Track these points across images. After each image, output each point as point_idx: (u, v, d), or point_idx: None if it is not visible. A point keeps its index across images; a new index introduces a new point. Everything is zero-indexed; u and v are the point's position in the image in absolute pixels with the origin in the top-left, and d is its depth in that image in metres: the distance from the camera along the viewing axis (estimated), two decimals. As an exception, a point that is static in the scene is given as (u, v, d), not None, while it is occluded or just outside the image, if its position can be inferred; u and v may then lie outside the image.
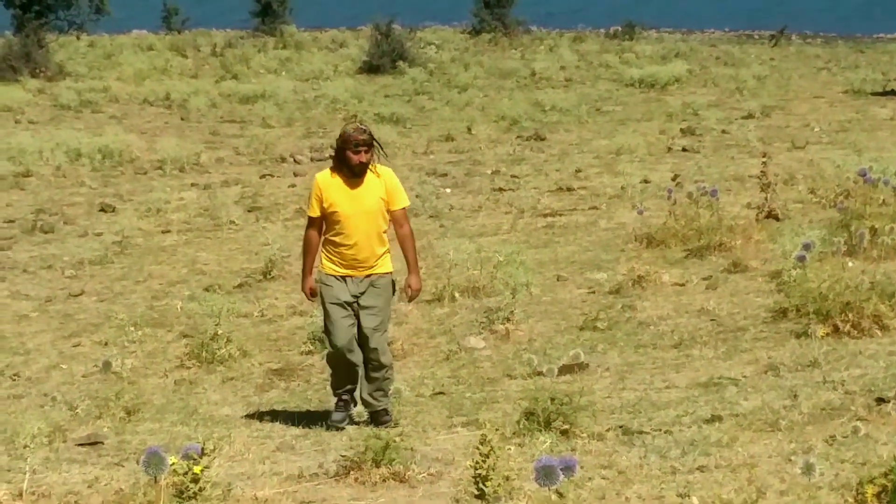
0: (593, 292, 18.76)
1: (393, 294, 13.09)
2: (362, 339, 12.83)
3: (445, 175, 30.13)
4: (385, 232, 12.85)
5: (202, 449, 8.88)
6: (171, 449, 9.25)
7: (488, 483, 8.78)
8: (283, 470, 11.56)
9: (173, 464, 8.68)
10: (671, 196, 21.41)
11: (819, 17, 63.34)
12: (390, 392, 13.33)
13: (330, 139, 35.56)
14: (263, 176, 31.05)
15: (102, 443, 13.09)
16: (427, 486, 10.81)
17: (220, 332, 16.73)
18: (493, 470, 8.91)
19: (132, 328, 18.18)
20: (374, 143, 12.69)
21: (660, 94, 44.58)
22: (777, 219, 21.46)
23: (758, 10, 64.44)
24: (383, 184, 12.72)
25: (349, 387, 13.07)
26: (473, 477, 8.99)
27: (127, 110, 42.90)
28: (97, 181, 30.98)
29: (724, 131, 35.69)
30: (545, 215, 24.97)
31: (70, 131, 37.00)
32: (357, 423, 12.84)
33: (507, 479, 9.26)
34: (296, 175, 30.87)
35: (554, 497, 8.44)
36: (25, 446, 12.45)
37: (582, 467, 10.31)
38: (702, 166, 29.36)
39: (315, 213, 12.76)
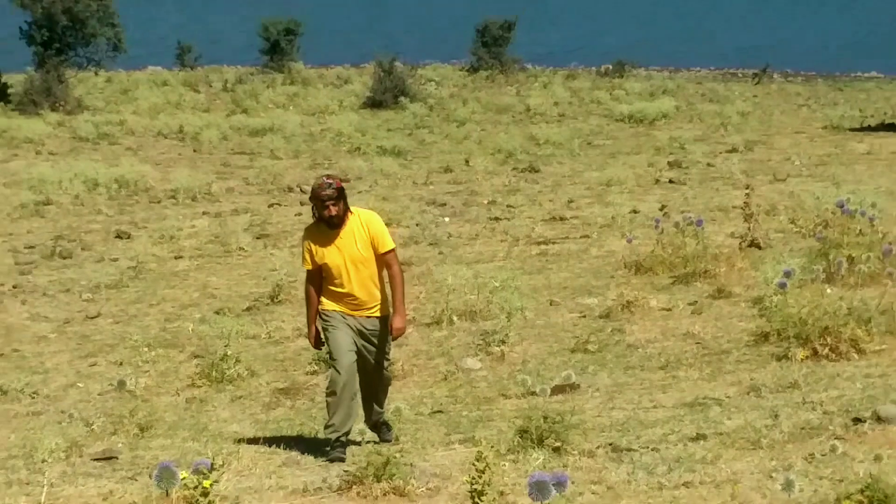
0: (584, 316, 18.74)
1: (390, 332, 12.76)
2: (368, 373, 12.64)
3: (444, 205, 30.14)
4: (378, 274, 12.53)
5: (211, 464, 8.87)
6: (182, 464, 9.24)
7: (484, 498, 8.76)
8: (289, 484, 11.54)
9: (184, 478, 8.68)
10: (659, 225, 21.40)
11: (800, 57, 63.39)
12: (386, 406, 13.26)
13: (335, 170, 35.64)
14: (271, 205, 31.07)
15: (117, 458, 13.07)
16: (426, 500, 10.79)
17: (229, 352, 16.74)
18: (489, 485, 8.89)
19: (146, 349, 18.17)
20: (343, 193, 12.38)
21: (648, 129, 44.61)
22: (759, 247, 21.45)
23: (741, 49, 64.51)
24: (367, 230, 12.41)
25: (347, 429, 12.57)
26: (470, 492, 8.97)
27: (142, 142, 42.94)
28: (113, 209, 31.00)
29: (709, 164, 35.71)
30: (539, 243, 24.96)
31: (88, 162, 37.01)
32: (358, 443, 12.78)
33: (502, 493, 9.26)
34: (302, 204, 30.82)
35: (545, 509, 8.43)
36: (43, 461, 12.44)
37: (573, 483, 10.31)
38: (688, 197, 29.37)
39: (309, 265, 12.55)
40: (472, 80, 58.36)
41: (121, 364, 17.71)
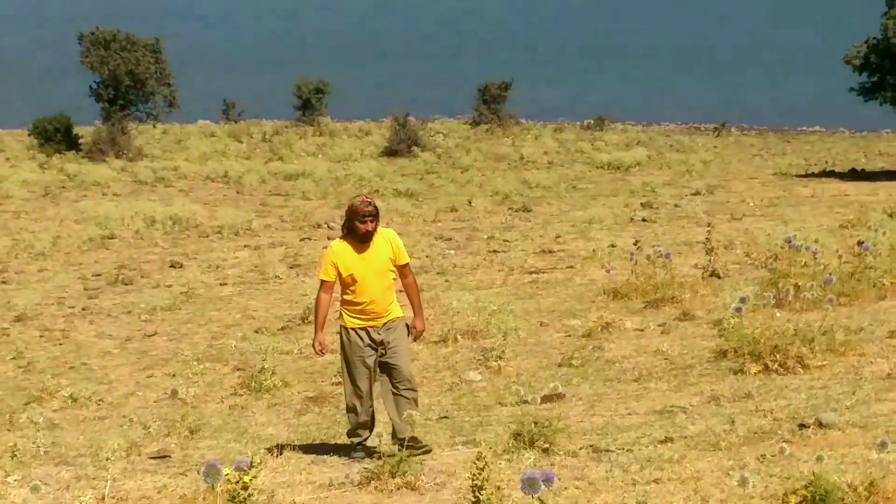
0: (569, 336, 18.72)
1: (407, 334, 12.46)
2: (392, 371, 12.23)
3: (450, 239, 30.15)
4: (394, 283, 12.26)
5: (251, 462, 8.87)
6: (225, 462, 9.22)
7: (483, 492, 8.75)
8: (317, 479, 11.54)
9: (227, 474, 8.67)
10: (633, 258, 21.39)
11: (754, 114, 63.39)
12: (415, 422, 12.48)
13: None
14: (303, 239, 31.08)
15: (170, 456, 13.07)
16: (433, 493, 10.79)
17: (266, 366, 16.73)
18: (488, 481, 8.88)
19: (195, 363, 18.18)
20: (378, 213, 12.08)
21: (624, 175, 44.62)
22: (719, 277, 21.43)
23: (704, 107, 64.50)
24: (389, 244, 12.11)
25: (366, 434, 12.48)
26: (471, 487, 8.97)
27: (193, 185, 42.99)
28: (168, 243, 31.04)
29: (676, 205, 35.71)
30: (531, 272, 24.94)
31: (147, 202, 37.09)
32: (374, 454, 12.68)
33: (499, 488, 9.23)
34: (329, 239, 30.80)
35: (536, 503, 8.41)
36: (107, 459, 12.43)
37: (559, 479, 10.29)
38: (658, 233, 29.37)
39: (329, 277, 12.09)
40: (474, 133, 58.37)
41: (174, 375, 17.71)
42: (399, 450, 11.56)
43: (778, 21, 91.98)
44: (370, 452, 12.20)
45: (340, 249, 12.07)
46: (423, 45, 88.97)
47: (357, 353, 12.16)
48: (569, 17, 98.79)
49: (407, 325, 12.42)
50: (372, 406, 12.40)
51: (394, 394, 12.23)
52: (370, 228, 11.93)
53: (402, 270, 12.26)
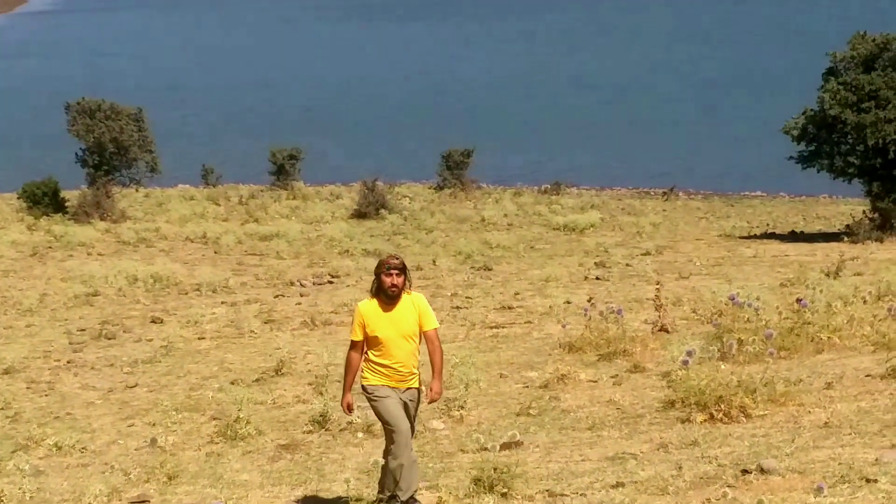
0: (527, 387, 18.70)
1: (420, 398, 11.91)
2: None
3: (416, 296, 30.13)
4: (418, 349, 11.70)
5: (225, 506, 8.84)
6: (201, 506, 9.19)
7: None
8: (288, 523, 11.50)
9: (203, 518, 8.64)
10: (587, 314, 21.40)
11: (700, 179, 63.79)
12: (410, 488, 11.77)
13: (328, 269, 35.65)
14: (277, 296, 31.02)
15: (149, 501, 13.02)
16: (398, 535, 10.76)
17: (241, 415, 16.67)
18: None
19: (174, 412, 18.09)
20: (406, 270, 11.64)
21: (579, 237, 44.75)
22: (667, 332, 21.46)
23: (653, 173, 64.88)
24: (416, 308, 11.62)
25: (415, 489, 11.69)
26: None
27: (173, 245, 42.92)
28: (149, 299, 30.95)
29: (627, 265, 35.81)
30: (491, 327, 24.93)
31: (129, 261, 37.00)
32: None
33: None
34: (301, 296, 30.84)
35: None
36: (89, 503, 12.36)
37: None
38: (610, 291, 29.43)
39: (358, 337, 11.60)
40: (438, 196, 58.52)
41: (153, 425, 17.62)
42: (380, 500, 11.48)
43: (720, 94, 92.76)
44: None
45: (367, 309, 11.63)
46: (390, 116, 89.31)
47: (387, 396, 11.56)
48: (528, 91, 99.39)
49: (419, 391, 11.85)
50: (415, 456, 11.81)
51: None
52: (396, 283, 11.49)
53: (429, 336, 11.69)
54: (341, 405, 11.89)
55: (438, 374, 11.70)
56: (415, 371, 11.69)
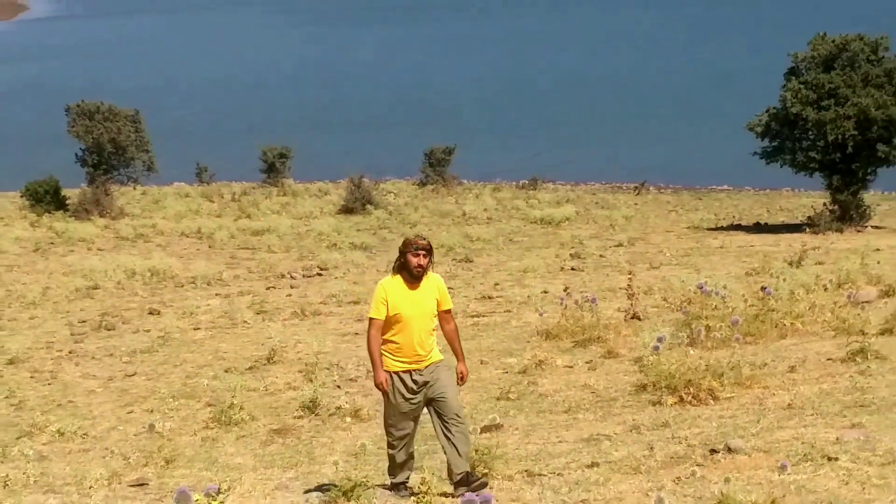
0: (507, 372, 18.74)
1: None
2: (440, 405, 11.14)
3: (400, 287, 30.11)
4: (435, 328, 11.26)
5: (219, 488, 8.83)
6: (197, 488, 9.17)
7: (428, 513, 8.74)
8: (280, 503, 11.48)
9: (197, 500, 8.63)
10: (563, 303, 21.45)
11: (669, 174, 63.85)
12: (469, 455, 11.36)
13: (317, 262, 35.62)
14: (268, 288, 30.99)
15: (147, 484, 12.99)
16: (384, 515, 10.76)
17: (235, 402, 16.66)
18: (431, 503, 8.87)
19: (171, 399, 18.11)
20: (432, 251, 11.16)
21: (555, 229, 44.78)
22: (639, 319, 21.52)
23: (625, 168, 64.91)
24: (436, 288, 11.15)
25: (408, 474, 11.52)
26: (418, 508, 8.96)
27: (169, 241, 42.85)
28: (147, 292, 30.89)
29: (601, 256, 35.87)
30: (472, 316, 24.95)
31: (128, 256, 36.93)
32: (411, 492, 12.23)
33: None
34: (292, 287, 30.81)
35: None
36: (90, 487, 12.36)
37: (496, 501, 10.30)
38: (585, 281, 29.47)
39: (380, 315, 11.01)
40: (421, 192, 58.48)
41: (151, 411, 17.61)
42: (456, 487, 11.05)
43: (689, 93, 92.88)
44: (412, 491, 11.24)
45: (390, 286, 11.11)
46: (376, 116, 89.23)
47: (399, 398, 11.16)
48: (506, 91, 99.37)
49: (441, 362, 11.36)
50: (413, 447, 11.51)
51: (445, 433, 11.21)
52: (422, 263, 11.01)
53: (445, 316, 11.28)
54: (376, 385, 11.26)
55: (461, 355, 11.36)
56: (432, 348, 11.19)
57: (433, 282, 11.19)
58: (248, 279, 33.10)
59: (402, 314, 10.96)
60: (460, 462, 11.11)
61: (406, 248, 11.05)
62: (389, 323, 11.05)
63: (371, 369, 11.43)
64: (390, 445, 11.39)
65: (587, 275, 31.19)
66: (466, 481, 11.03)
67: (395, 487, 11.46)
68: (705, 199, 57.15)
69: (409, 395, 11.12)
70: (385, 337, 11.10)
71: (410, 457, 11.52)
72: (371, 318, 11.11)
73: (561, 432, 14.26)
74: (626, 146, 73.32)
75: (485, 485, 11.14)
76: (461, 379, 11.36)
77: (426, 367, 11.12)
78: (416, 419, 11.31)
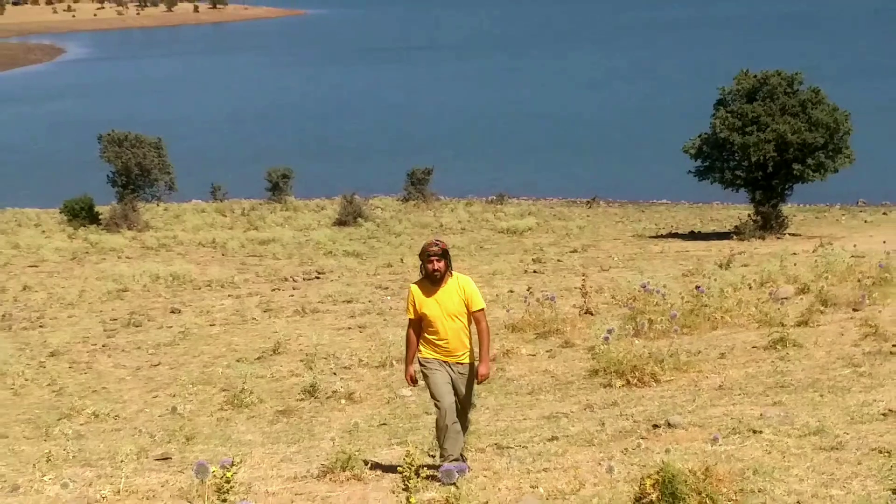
0: (479, 360, 18.73)
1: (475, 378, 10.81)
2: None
3: (387, 288, 30.11)
4: (468, 327, 10.63)
5: (232, 462, 8.80)
6: (213, 462, 9.14)
7: (411, 481, 8.73)
8: (285, 474, 11.47)
9: (214, 471, 8.60)
10: (527, 300, 21.47)
11: (617, 190, 63.99)
12: (452, 454, 10.67)
13: (315, 267, 35.56)
14: (274, 290, 30.92)
15: (170, 458, 12.95)
16: (375, 482, 10.75)
17: (245, 387, 16.63)
18: (416, 472, 8.86)
19: (190, 385, 18.05)
20: (447, 254, 10.49)
21: (519, 238, 44.84)
22: (592, 314, 21.54)
23: (579, 186, 65.00)
24: (462, 289, 10.49)
25: (458, 452, 10.64)
26: (402, 477, 8.94)
27: (188, 250, 42.72)
28: (169, 294, 30.79)
29: (559, 260, 35.91)
30: (449, 313, 24.91)
31: (152, 263, 36.81)
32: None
33: (425, 478, 9.21)
34: (294, 289, 30.74)
35: (453, 489, 8.40)
36: (122, 461, 12.29)
37: (470, 470, 10.30)
38: (545, 282, 29.49)
39: (411, 315, 10.61)
40: (404, 207, 58.48)
41: (174, 396, 17.56)
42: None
43: (633, 122, 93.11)
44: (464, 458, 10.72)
45: (417, 290, 10.59)
46: (366, 142, 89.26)
47: (436, 370, 10.57)
48: (477, 120, 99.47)
49: (471, 366, 10.80)
50: (458, 424, 10.65)
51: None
52: (438, 268, 10.38)
53: (476, 316, 10.57)
54: (405, 377, 10.92)
55: (485, 356, 10.59)
56: (464, 348, 10.61)
57: (459, 283, 10.56)
58: (256, 282, 33.03)
59: (429, 314, 10.48)
60: (443, 451, 10.62)
61: (421, 255, 10.54)
62: (424, 321, 10.57)
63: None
64: (437, 419, 10.67)
65: (547, 276, 31.22)
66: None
67: (455, 461, 10.44)
68: (647, 212, 57.31)
69: (444, 375, 10.59)
70: (424, 333, 10.63)
71: (458, 433, 10.65)
72: (409, 319, 10.74)
73: (525, 411, 14.27)
74: (579, 167, 73.47)
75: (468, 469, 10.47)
76: (479, 379, 10.70)
77: (456, 363, 10.60)
78: (454, 398, 10.62)
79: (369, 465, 11.22)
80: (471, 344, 10.68)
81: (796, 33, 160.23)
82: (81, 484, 11.51)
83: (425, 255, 10.43)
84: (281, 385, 17.86)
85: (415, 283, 10.69)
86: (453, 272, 10.56)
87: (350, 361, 19.17)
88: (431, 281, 10.46)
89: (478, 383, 10.84)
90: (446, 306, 10.45)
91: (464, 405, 10.78)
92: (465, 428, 10.93)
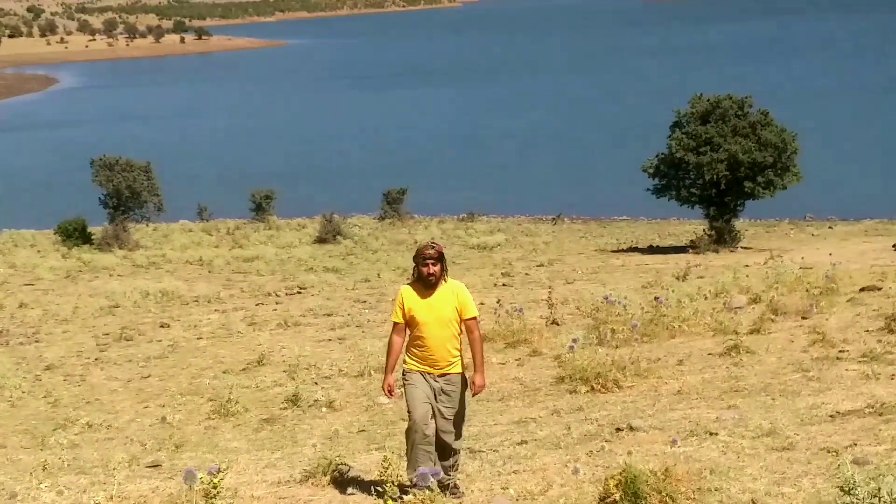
0: (452, 369, 18.70)
1: (465, 388, 9.93)
2: (439, 420, 9.79)
3: (365, 301, 30.05)
4: (458, 336, 9.69)
5: (219, 468, 8.76)
6: (201, 468, 9.09)
7: (388, 485, 8.70)
8: (269, 479, 11.40)
9: (202, 478, 8.56)
10: (496, 312, 21.45)
11: (580, 208, 64.19)
12: (458, 470, 10.18)
13: (297, 282, 35.46)
14: (258, 304, 30.79)
15: (161, 465, 12.87)
16: (354, 486, 10.70)
17: (231, 397, 16.55)
18: (392, 476, 8.83)
19: (179, 396, 17.96)
20: (443, 258, 9.63)
21: (489, 253, 44.87)
22: (557, 324, 21.55)
23: (544, 203, 65.19)
24: (455, 296, 9.60)
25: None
26: (380, 480, 8.91)
27: (176, 267, 42.53)
28: (158, 309, 30.62)
29: (526, 274, 35.93)
30: (423, 325, 24.86)
31: (143, 280, 36.64)
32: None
33: (400, 483, 9.18)
34: (277, 304, 30.63)
35: (427, 492, 8.38)
36: (114, 468, 12.22)
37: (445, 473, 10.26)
38: (514, 294, 29.48)
39: (398, 319, 9.65)
40: (381, 225, 58.48)
41: (163, 406, 17.44)
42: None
43: (595, 143, 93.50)
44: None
45: (408, 292, 9.67)
46: (343, 164, 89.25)
47: (416, 386, 9.70)
48: (449, 143, 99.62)
49: (465, 380, 9.92)
50: (432, 445, 9.76)
51: (439, 450, 9.90)
52: (433, 272, 9.48)
53: (468, 324, 9.68)
54: (382, 387, 10.00)
55: (480, 367, 9.75)
56: (452, 359, 9.68)
57: (453, 289, 9.65)
58: (240, 297, 32.90)
59: (418, 318, 9.54)
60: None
61: (416, 258, 9.55)
62: (411, 326, 9.64)
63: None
64: (408, 432, 9.81)
65: (515, 289, 31.23)
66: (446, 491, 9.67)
67: (409, 486, 9.20)
68: (609, 228, 57.49)
69: (424, 387, 9.72)
70: (410, 341, 9.74)
71: (432, 448, 9.72)
72: (393, 322, 9.77)
73: (496, 416, 14.27)
74: (544, 186, 73.69)
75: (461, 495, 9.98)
76: (474, 391, 9.86)
77: (441, 374, 9.69)
78: (429, 412, 9.71)
79: (350, 469, 11.18)
80: (460, 355, 9.81)
81: (749, 59, 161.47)
82: (76, 491, 11.42)
83: (420, 258, 9.50)
84: (265, 395, 17.78)
85: (406, 284, 9.79)
86: (447, 278, 9.70)
87: (330, 371, 19.11)
88: (425, 285, 9.55)
89: (473, 395, 9.97)
90: (438, 312, 9.53)
91: (455, 419, 9.86)
92: (457, 438, 10.01)
